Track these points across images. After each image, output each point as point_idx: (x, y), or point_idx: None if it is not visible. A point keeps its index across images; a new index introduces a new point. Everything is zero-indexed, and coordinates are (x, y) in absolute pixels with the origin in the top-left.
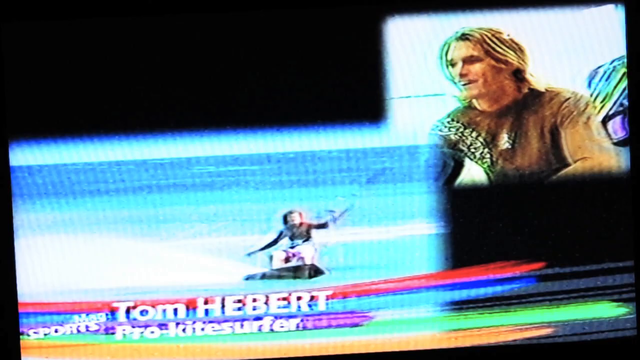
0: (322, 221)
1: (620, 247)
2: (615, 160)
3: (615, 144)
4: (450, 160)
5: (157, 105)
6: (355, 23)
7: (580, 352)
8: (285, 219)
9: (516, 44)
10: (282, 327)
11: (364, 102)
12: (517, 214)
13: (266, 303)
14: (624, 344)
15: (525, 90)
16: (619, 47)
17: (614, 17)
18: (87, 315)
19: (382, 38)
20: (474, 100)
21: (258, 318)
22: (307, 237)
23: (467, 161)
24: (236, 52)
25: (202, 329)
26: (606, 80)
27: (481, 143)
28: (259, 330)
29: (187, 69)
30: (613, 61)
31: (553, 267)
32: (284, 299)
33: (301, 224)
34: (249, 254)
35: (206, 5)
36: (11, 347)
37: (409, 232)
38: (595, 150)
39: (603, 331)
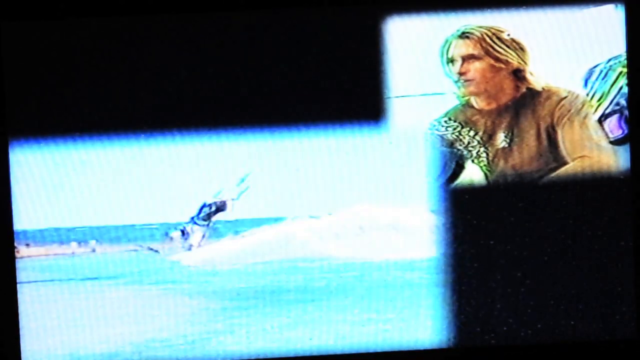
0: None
1: (619, 246)
2: (613, 159)
3: (612, 142)
4: (449, 159)
5: (157, 105)
6: (355, 23)
7: (580, 352)
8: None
9: (517, 43)
10: None
11: (363, 101)
12: (515, 213)
13: None
14: (624, 344)
15: (524, 90)
16: (615, 46)
17: (614, 17)
18: None
19: (382, 37)
20: (472, 98)
21: None
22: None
23: (465, 161)
24: (236, 52)
25: None
26: (603, 79)
27: (478, 142)
28: None
29: (186, 68)
30: (609, 60)
31: (551, 266)
32: None
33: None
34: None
35: (207, 5)
36: None
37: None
38: (593, 149)
39: (603, 331)
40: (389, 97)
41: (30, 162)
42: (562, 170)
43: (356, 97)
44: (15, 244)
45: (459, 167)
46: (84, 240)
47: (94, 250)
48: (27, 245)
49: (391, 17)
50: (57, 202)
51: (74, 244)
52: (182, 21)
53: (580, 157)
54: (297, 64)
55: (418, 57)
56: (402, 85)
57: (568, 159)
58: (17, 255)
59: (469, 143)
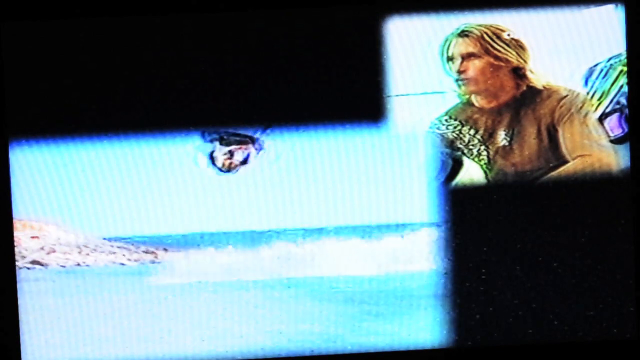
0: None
1: (619, 246)
2: (613, 157)
3: (612, 141)
4: (449, 158)
5: (158, 105)
6: (355, 22)
7: (580, 352)
8: None
9: (516, 41)
10: None
11: (364, 100)
12: (515, 211)
13: None
14: (624, 344)
15: (524, 88)
16: (616, 45)
17: (614, 17)
18: None
19: (382, 37)
20: (472, 97)
21: None
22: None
23: (465, 160)
24: (236, 52)
25: None
26: (603, 78)
27: (478, 140)
28: None
29: (186, 68)
30: (610, 59)
31: (550, 265)
32: None
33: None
34: None
35: (206, 5)
36: None
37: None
38: (593, 147)
39: (603, 331)
40: (389, 96)
41: (30, 162)
42: (563, 169)
43: (356, 96)
44: (154, 249)
45: (459, 166)
46: (221, 245)
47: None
48: (165, 249)
49: (391, 16)
50: (56, 202)
51: (211, 249)
52: (182, 21)
53: (580, 156)
54: (297, 64)
55: (418, 56)
56: (402, 84)
57: (568, 157)
58: (155, 260)
59: (469, 141)
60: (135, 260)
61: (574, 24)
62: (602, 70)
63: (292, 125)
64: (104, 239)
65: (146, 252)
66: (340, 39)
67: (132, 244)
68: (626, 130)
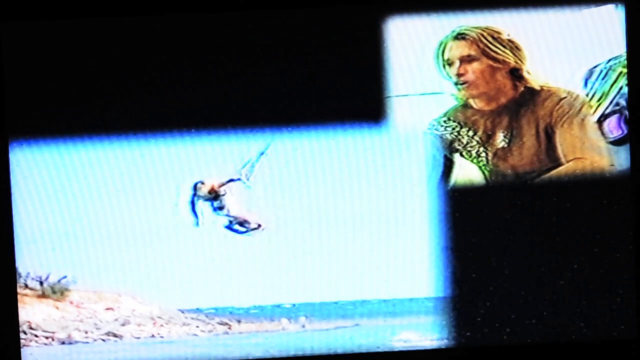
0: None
1: (619, 246)
2: (611, 159)
3: (611, 143)
4: (446, 159)
5: (158, 105)
6: (355, 23)
7: (580, 352)
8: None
9: (512, 42)
10: None
11: (362, 101)
12: (514, 213)
13: None
14: (624, 344)
15: (522, 89)
16: (616, 46)
17: (614, 17)
18: None
19: (382, 37)
20: (470, 99)
21: None
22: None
23: (461, 160)
24: (236, 52)
25: None
26: (602, 79)
27: (477, 142)
28: None
29: (186, 68)
30: (609, 60)
31: (550, 266)
32: None
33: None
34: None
35: (206, 5)
36: None
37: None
38: (591, 149)
39: (603, 331)
40: (389, 97)
41: (30, 162)
42: (562, 171)
43: (355, 97)
44: (227, 320)
45: (458, 167)
46: (294, 317)
47: (303, 326)
48: (239, 321)
49: (391, 17)
50: (56, 202)
51: (284, 320)
52: (182, 21)
53: (577, 158)
54: (297, 64)
55: (418, 57)
56: (401, 84)
57: (563, 160)
58: (228, 331)
59: (467, 143)
60: (209, 332)
61: (574, 24)
62: (601, 72)
63: (291, 125)
64: (179, 310)
65: (220, 323)
66: (340, 39)
67: (207, 316)
68: (625, 131)
